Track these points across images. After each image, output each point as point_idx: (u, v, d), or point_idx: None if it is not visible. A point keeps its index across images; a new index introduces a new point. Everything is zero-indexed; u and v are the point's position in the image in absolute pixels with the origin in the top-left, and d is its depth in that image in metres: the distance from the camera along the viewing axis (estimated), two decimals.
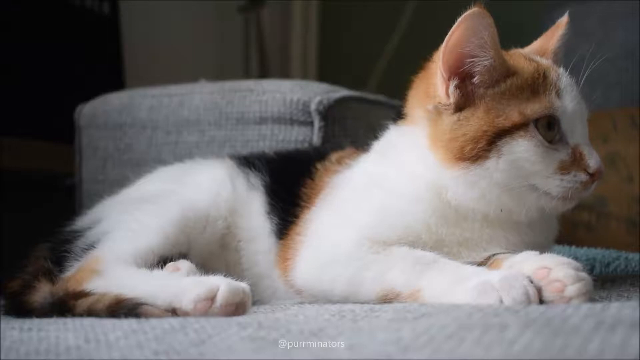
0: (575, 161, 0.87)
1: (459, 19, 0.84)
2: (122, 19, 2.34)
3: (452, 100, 0.88)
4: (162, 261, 0.96)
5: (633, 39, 2.09)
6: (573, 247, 1.36)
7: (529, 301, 0.74)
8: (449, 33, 0.86)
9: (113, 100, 1.69)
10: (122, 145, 1.64)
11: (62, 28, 2.11)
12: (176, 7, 2.75)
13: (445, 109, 0.88)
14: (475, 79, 0.87)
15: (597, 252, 1.31)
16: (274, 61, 3.09)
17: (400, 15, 3.04)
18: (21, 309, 0.92)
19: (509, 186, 0.87)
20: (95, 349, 0.63)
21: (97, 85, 1.87)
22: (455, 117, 0.88)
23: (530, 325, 0.56)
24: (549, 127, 0.86)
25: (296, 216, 1.01)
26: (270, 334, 0.64)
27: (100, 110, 1.68)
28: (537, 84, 0.88)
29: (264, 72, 2.87)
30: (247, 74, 2.90)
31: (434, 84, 0.90)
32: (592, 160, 0.87)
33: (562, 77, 0.90)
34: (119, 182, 1.20)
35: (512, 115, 0.86)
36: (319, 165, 1.07)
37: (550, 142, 0.86)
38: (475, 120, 0.86)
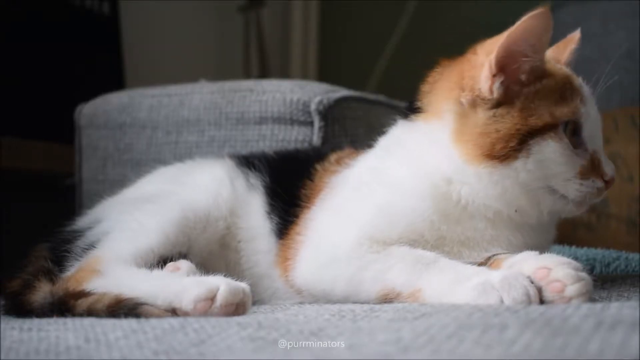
0: (594, 168, 0.89)
1: (524, 17, 0.84)
2: (122, 19, 2.34)
3: (495, 95, 0.87)
4: (163, 261, 0.96)
5: (633, 39, 2.09)
6: (573, 247, 1.36)
7: (529, 301, 0.74)
8: (511, 29, 0.85)
9: (113, 100, 1.69)
10: (122, 145, 1.64)
11: (62, 28, 2.11)
12: (176, 7, 2.75)
13: (484, 104, 0.88)
14: (521, 77, 0.88)
15: (597, 252, 1.31)
16: (274, 61, 3.09)
17: (400, 15, 3.04)
18: (21, 309, 0.92)
19: (529, 187, 0.87)
20: (95, 349, 0.63)
21: (97, 85, 1.87)
22: (491, 112, 0.88)
23: (530, 325, 0.56)
24: (573, 132, 0.88)
25: (296, 216, 1.01)
26: (270, 334, 0.64)
27: (100, 110, 1.68)
28: (565, 89, 0.89)
29: (264, 72, 2.87)
30: (247, 74, 2.90)
31: (472, 76, 0.89)
32: (609, 168, 0.89)
33: (583, 86, 0.92)
34: (119, 182, 1.21)
35: (544, 115, 0.87)
36: (318, 166, 1.07)
37: (574, 146, 0.88)
38: (510, 119, 0.87)
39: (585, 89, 0.92)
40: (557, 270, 0.77)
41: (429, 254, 0.87)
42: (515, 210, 0.90)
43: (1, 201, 1.84)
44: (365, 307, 0.80)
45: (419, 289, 0.84)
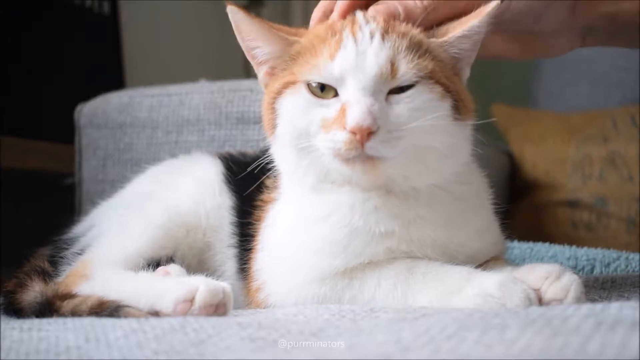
0: (338, 118, 0.79)
1: None
2: (122, 19, 2.34)
3: (263, 82, 0.91)
4: (154, 264, 0.96)
5: None
6: (573, 247, 1.36)
7: (530, 305, 0.73)
8: None
9: (113, 100, 1.69)
10: (122, 145, 1.64)
11: (62, 28, 2.11)
12: (176, 7, 2.75)
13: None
14: (268, 64, 0.90)
15: (597, 252, 1.30)
16: None
17: None
18: (12, 307, 0.92)
19: (297, 149, 0.84)
20: (95, 348, 0.63)
21: (97, 85, 1.87)
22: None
23: (530, 325, 0.56)
24: (322, 88, 0.82)
25: (252, 246, 0.96)
26: (270, 334, 0.64)
27: (100, 110, 1.68)
28: (315, 48, 0.84)
29: None
30: (247, 74, 2.90)
31: None
32: (349, 117, 0.78)
33: (353, 36, 0.82)
34: (119, 182, 1.20)
35: (286, 77, 0.86)
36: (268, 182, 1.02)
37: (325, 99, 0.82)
38: (266, 94, 0.89)
39: (353, 39, 0.81)
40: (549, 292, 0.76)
41: (405, 268, 0.82)
42: (333, 182, 0.85)
43: (1, 201, 1.84)
44: (365, 307, 0.80)
45: None
